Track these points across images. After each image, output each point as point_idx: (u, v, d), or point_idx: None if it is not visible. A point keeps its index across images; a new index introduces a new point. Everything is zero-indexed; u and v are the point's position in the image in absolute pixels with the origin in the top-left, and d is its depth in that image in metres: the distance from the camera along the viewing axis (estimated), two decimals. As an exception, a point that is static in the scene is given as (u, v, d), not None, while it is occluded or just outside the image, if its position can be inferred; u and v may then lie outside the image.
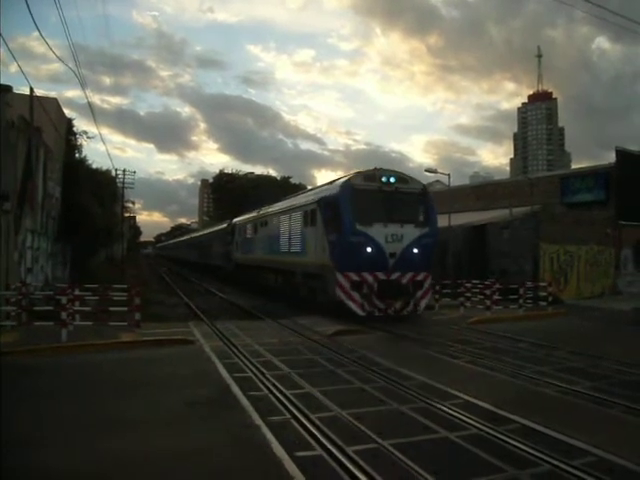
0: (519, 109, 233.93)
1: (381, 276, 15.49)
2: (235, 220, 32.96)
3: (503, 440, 5.98)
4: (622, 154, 27.55)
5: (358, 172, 16.91)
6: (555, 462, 5.32)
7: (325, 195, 17.12)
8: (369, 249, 15.34)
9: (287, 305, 19.71)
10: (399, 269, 15.66)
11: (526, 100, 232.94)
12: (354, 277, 15.35)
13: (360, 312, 15.29)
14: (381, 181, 16.13)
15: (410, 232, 15.86)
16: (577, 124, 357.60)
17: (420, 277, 16.07)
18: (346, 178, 16.87)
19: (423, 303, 16.38)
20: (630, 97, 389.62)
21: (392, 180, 16.23)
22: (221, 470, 5.39)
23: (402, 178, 16.63)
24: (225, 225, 36.45)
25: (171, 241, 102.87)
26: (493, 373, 9.60)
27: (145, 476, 5.32)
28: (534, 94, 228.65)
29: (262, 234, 25.18)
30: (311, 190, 21.50)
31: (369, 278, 15.40)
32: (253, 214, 28.24)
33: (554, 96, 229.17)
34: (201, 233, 55.90)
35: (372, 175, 16.34)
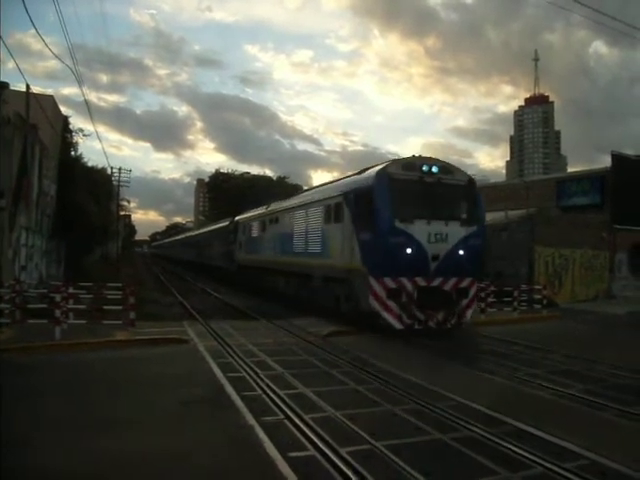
0: (516, 112, 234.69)
1: (421, 282, 13.35)
2: (239, 217, 30.44)
3: (496, 442, 5.98)
4: (618, 158, 27.66)
5: (394, 160, 14.63)
6: (548, 465, 5.33)
7: (355, 186, 14.70)
8: (409, 250, 13.11)
9: (282, 306, 19.66)
10: (441, 274, 13.55)
11: (523, 103, 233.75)
12: (391, 284, 13.18)
13: (398, 325, 13.18)
14: (422, 170, 13.74)
15: (456, 231, 13.70)
16: (573, 128, 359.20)
17: (465, 283, 13.96)
18: (381, 166, 14.24)
19: (469, 313, 14.23)
20: (626, 101, 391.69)
21: (434, 170, 13.88)
22: (215, 470, 5.37)
23: (446, 168, 14.32)
24: (227, 223, 33.81)
25: (167, 240, 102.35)
26: (487, 375, 9.60)
27: (142, 476, 5.31)
28: (531, 97, 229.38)
29: (271, 232, 22.71)
30: (332, 183, 18.48)
31: (408, 285, 13.26)
32: (260, 210, 25.79)
33: (551, 100, 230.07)
34: (200, 231, 53.04)
35: (411, 163, 14.02)
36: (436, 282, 13.53)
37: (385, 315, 13.22)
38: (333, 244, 15.48)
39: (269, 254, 22.61)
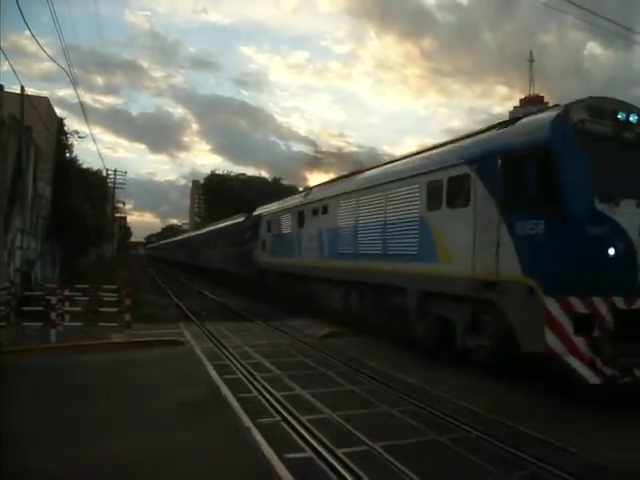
0: (511, 113, 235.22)
1: (619, 304, 8.13)
2: (261, 210, 24.66)
3: (492, 443, 6.00)
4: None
5: (570, 103, 8.78)
6: (543, 465, 5.36)
7: (501, 146, 9.31)
8: (611, 251, 8.02)
9: (278, 308, 19.61)
10: None
11: (518, 104, 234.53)
12: (580, 307, 7.95)
13: (592, 378, 7.71)
14: (616, 120, 8.66)
15: None
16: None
17: None
18: (555, 111, 8.82)
19: None
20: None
21: (633, 119, 8.77)
22: (212, 471, 5.38)
23: None
24: (242, 219, 28.11)
25: (163, 241, 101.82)
26: (485, 378, 9.61)
27: (139, 477, 5.31)
28: (526, 98, 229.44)
29: (316, 227, 17.08)
30: (429, 150, 12.34)
31: (603, 309, 8.03)
32: (295, 199, 20.43)
33: (546, 100, 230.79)
34: (203, 230, 46.31)
35: (599, 109, 8.68)
36: (639, 303, 8.34)
37: (570, 361, 7.86)
38: (446, 241, 10.49)
39: (313, 257, 17.14)
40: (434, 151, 11.92)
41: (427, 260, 10.91)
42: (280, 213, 21.36)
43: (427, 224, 11.07)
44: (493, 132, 10.09)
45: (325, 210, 16.46)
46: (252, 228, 25.19)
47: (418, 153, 12.79)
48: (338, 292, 15.45)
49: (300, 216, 18.70)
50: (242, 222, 27.66)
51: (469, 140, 10.72)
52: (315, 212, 17.32)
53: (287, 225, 20.23)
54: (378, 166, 15.02)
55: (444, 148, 11.58)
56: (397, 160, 13.95)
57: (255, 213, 25.52)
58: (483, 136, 10.35)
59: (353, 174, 16.48)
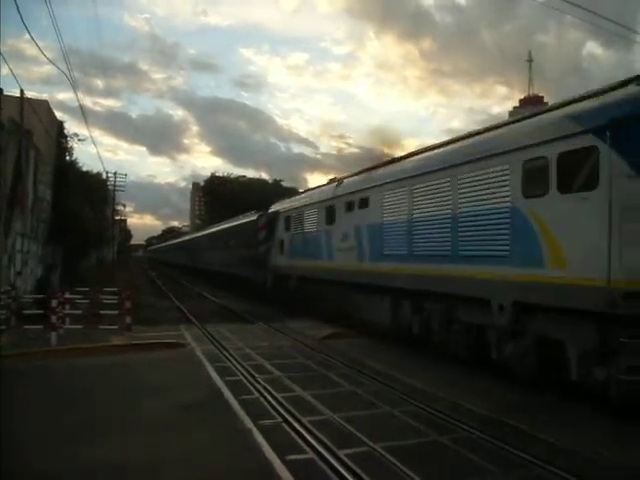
0: (510, 113, 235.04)
1: None
2: (278, 207, 21.99)
3: (494, 443, 5.99)
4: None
5: None
6: (545, 465, 5.34)
7: None
8: None
9: (279, 309, 19.62)
10: None
11: (517, 104, 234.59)
12: None
13: None
14: None
15: None
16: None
17: None
18: None
19: None
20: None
21: None
22: (213, 474, 5.37)
23: None
24: (254, 217, 25.16)
25: (164, 244, 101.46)
26: (485, 378, 9.60)
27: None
28: (525, 98, 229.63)
29: (353, 224, 14.25)
30: (517, 122, 9.65)
31: None
32: (322, 193, 17.43)
33: (545, 100, 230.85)
34: (208, 231, 42.61)
35: None
36: None
37: None
38: (557, 238, 7.80)
39: (347, 258, 14.51)
40: (526, 122, 9.21)
41: (525, 263, 8.27)
42: (303, 209, 18.60)
43: (524, 215, 8.40)
44: (632, 88, 7.34)
45: (364, 203, 13.70)
46: (268, 227, 22.62)
47: (498, 127, 10.01)
48: (383, 302, 12.88)
49: (330, 211, 15.99)
50: (255, 221, 24.70)
51: (588, 102, 7.87)
52: (350, 206, 14.58)
53: (313, 222, 17.50)
54: (439, 146, 11.82)
55: (543, 117, 8.87)
56: (468, 137, 10.88)
57: (271, 210, 22.85)
58: (614, 95, 7.50)
59: (403, 158, 13.47)
